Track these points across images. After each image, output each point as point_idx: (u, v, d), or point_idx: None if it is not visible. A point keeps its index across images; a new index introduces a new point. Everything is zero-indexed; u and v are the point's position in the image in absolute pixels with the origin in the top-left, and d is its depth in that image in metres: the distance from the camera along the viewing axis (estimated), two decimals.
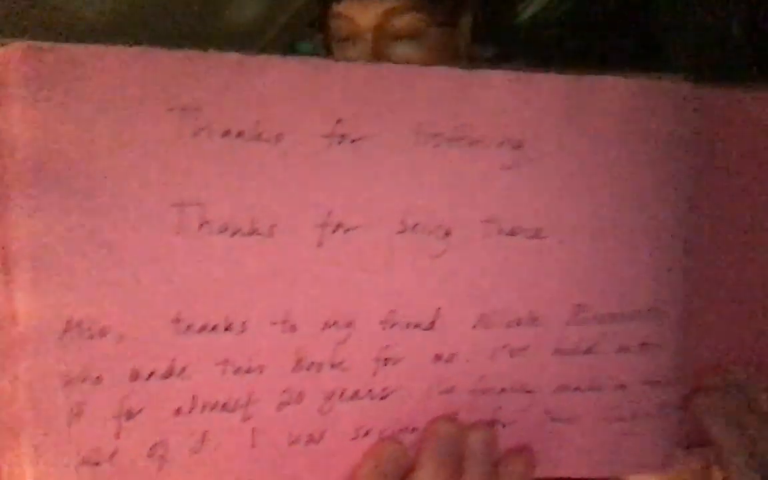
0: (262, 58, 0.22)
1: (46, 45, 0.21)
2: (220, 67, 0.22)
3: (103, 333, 0.22)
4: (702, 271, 0.29)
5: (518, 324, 0.26)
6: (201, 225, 0.23)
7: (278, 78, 0.22)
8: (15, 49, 0.21)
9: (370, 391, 0.25)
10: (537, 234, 0.25)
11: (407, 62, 0.49)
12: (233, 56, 0.22)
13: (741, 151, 0.29)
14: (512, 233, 0.25)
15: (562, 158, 0.25)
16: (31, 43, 0.21)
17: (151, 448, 0.23)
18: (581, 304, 0.26)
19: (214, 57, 0.22)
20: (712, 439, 0.29)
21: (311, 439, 0.25)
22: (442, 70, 0.24)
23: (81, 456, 0.23)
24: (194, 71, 0.22)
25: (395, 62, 0.42)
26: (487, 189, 0.25)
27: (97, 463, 0.23)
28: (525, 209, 0.25)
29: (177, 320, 0.23)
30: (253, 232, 0.23)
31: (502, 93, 0.24)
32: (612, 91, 0.25)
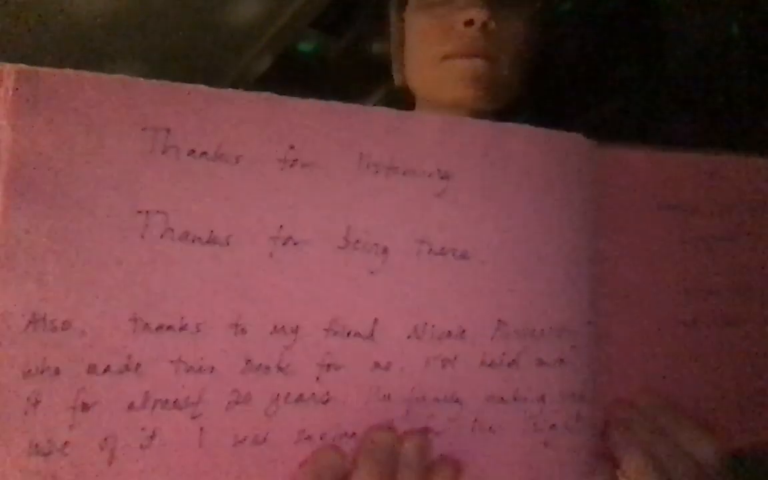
0: (227, 91, 0.26)
1: (34, 69, 0.24)
2: (189, 96, 0.26)
3: (65, 327, 0.24)
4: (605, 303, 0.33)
5: (448, 336, 0.29)
6: (163, 232, 0.25)
7: (239, 108, 0.26)
8: (7, 71, 0.24)
9: (313, 395, 0.27)
10: (463, 255, 0.29)
11: None
12: (202, 88, 0.26)
13: (630, 201, 0.34)
14: (442, 253, 0.29)
15: (484, 190, 0.29)
16: (21, 66, 0.24)
17: (102, 442, 0.25)
18: (503, 320, 0.30)
19: (184, 87, 0.25)
20: (626, 470, 0.32)
21: (256, 441, 0.27)
22: (381, 110, 0.28)
23: (33, 445, 0.24)
24: (166, 98, 0.25)
25: None
26: (419, 213, 0.28)
27: (48, 453, 0.24)
28: (453, 232, 0.29)
29: (135, 319, 0.25)
30: (211, 241, 0.26)
31: (431, 131, 0.28)
32: (518, 138, 0.30)
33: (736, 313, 0.36)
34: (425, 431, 0.29)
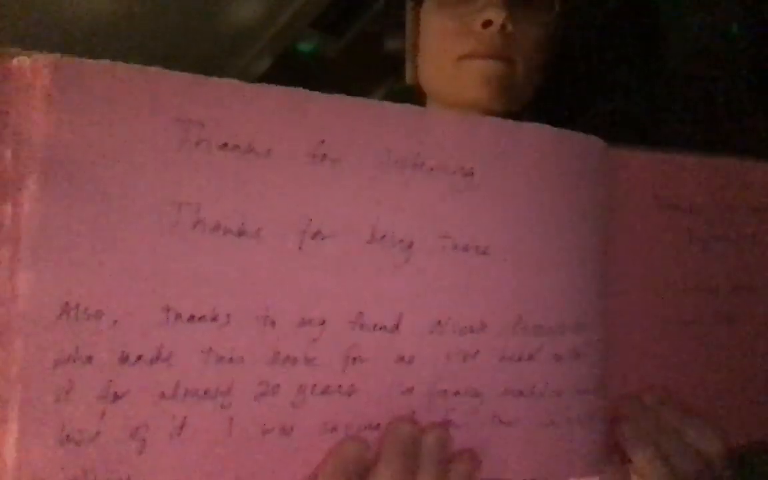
0: (258, 86, 0.27)
1: (71, 59, 0.24)
2: (222, 90, 0.26)
3: (97, 316, 0.24)
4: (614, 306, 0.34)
5: (470, 331, 0.30)
6: (195, 224, 0.26)
7: (270, 103, 0.27)
8: (45, 61, 0.24)
9: (339, 387, 0.28)
10: (485, 251, 0.30)
11: None
12: (234, 82, 0.26)
13: (632, 201, 0.35)
14: (464, 249, 0.29)
15: (504, 187, 0.30)
16: (59, 57, 0.24)
17: (133, 431, 0.25)
18: (521, 315, 0.30)
19: (217, 81, 0.26)
20: (634, 462, 0.33)
21: (283, 431, 0.27)
22: (407, 107, 0.29)
23: (65, 434, 0.24)
24: (200, 91, 0.26)
25: None
26: (443, 209, 0.29)
27: (79, 442, 0.24)
28: (475, 229, 0.29)
29: (167, 309, 0.25)
30: (241, 233, 0.26)
31: (455, 129, 0.29)
32: (537, 137, 0.31)
33: (736, 311, 0.37)
34: (446, 424, 0.30)
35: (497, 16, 0.47)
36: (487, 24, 0.48)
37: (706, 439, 0.33)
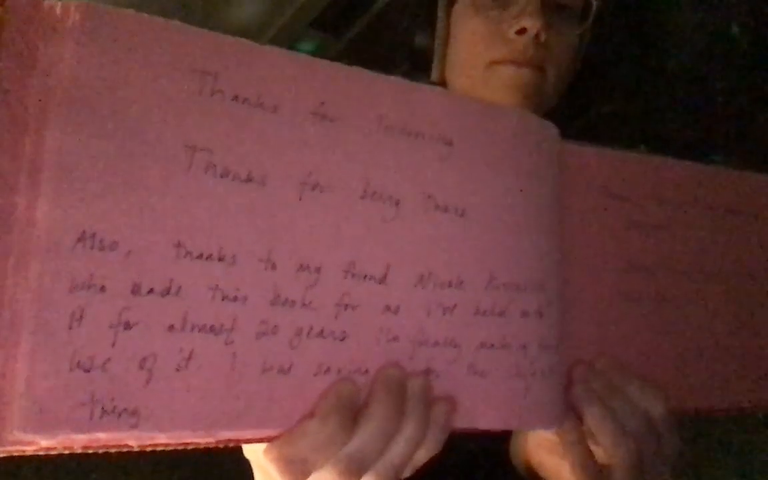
0: (269, 47, 0.29)
1: (98, 6, 0.26)
2: (236, 47, 0.28)
3: (112, 247, 0.25)
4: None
5: (448, 286, 0.33)
6: (207, 168, 0.27)
7: (279, 63, 0.29)
8: (76, 5, 0.25)
9: (332, 331, 0.30)
10: (462, 213, 0.33)
11: None
12: (247, 41, 0.29)
13: (580, 188, 0.40)
14: (445, 210, 0.33)
15: (479, 158, 0.34)
16: (88, 2, 0.26)
17: (141, 361, 0.26)
18: (494, 273, 0.34)
19: (232, 38, 0.28)
20: (586, 420, 0.37)
21: (281, 370, 0.29)
22: (398, 80, 0.32)
23: (76, 360, 0.24)
24: (216, 46, 0.28)
25: None
26: (427, 172, 0.32)
27: (89, 369, 0.25)
28: (454, 192, 0.33)
29: (178, 245, 0.27)
30: (248, 179, 0.28)
31: (437, 102, 0.33)
32: (508, 118, 0.35)
33: (670, 291, 0.42)
34: (427, 372, 0.32)
35: (532, 24, 0.47)
36: (521, 31, 0.48)
37: (650, 400, 0.37)
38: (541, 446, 0.44)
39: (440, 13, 0.55)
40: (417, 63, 0.58)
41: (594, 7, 0.51)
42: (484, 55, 0.50)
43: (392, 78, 0.32)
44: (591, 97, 0.59)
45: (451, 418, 0.32)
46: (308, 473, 0.28)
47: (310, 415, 0.29)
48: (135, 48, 0.26)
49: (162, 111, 0.27)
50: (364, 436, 0.29)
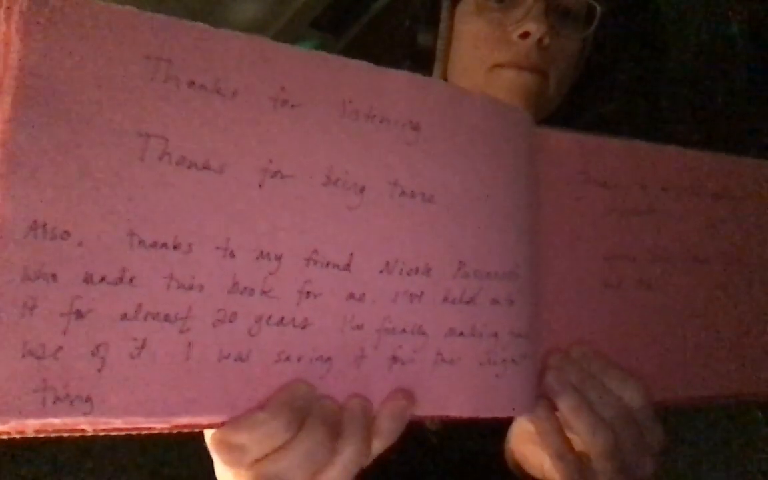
0: (226, 31, 0.29)
1: None
2: (191, 31, 0.28)
3: (64, 236, 0.25)
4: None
5: (416, 273, 0.32)
6: (162, 155, 0.27)
7: (237, 47, 0.29)
8: None
9: (292, 319, 0.30)
10: (430, 199, 0.32)
11: None
12: (203, 25, 0.28)
13: (559, 175, 0.39)
14: (411, 196, 0.32)
15: (448, 143, 0.33)
16: None
17: (94, 349, 0.26)
18: (463, 260, 0.33)
19: (187, 23, 0.28)
20: (560, 410, 0.36)
21: (239, 358, 0.29)
22: (362, 63, 0.31)
23: (27, 348, 0.25)
24: (170, 31, 0.27)
25: None
26: (393, 157, 0.32)
27: (41, 357, 0.25)
28: (421, 178, 0.32)
29: (131, 234, 0.27)
30: (205, 167, 0.28)
31: (404, 86, 0.32)
32: (478, 103, 0.34)
33: (654, 278, 0.42)
34: (393, 360, 0.32)
35: (536, 28, 0.47)
36: (525, 35, 0.48)
37: (628, 389, 0.37)
38: (523, 439, 0.44)
39: (443, 13, 0.55)
40: (419, 62, 0.58)
41: (598, 12, 0.50)
42: (486, 57, 0.50)
43: (356, 61, 0.31)
44: (591, 97, 0.58)
45: (407, 411, 0.32)
46: (246, 463, 0.28)
47: (262, 406, 0.29)
48: (86, 34, 0.26)
49: (114, 98, 0.26)
50: (290, 459, 0.28)
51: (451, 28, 0.55)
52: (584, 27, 0.52)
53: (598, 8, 0.51)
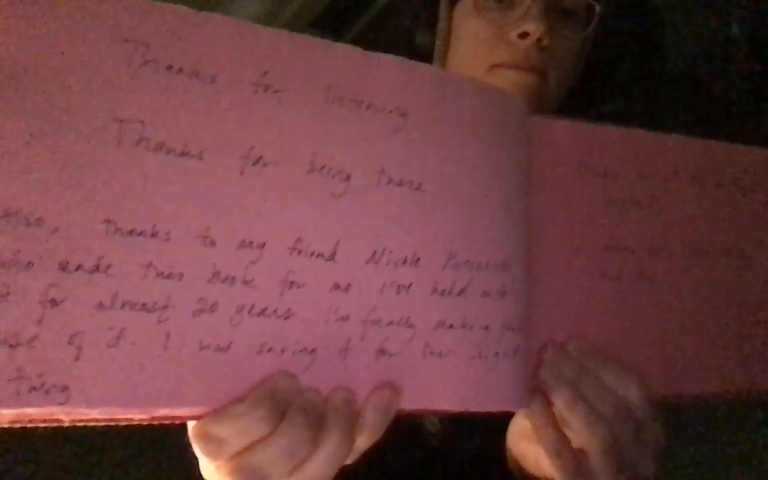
0: (205, 13, 0.28)
1: None
2: (169, 14, 0.27)
3: (38, 223, 0.25)
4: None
5: (404, 263, 0.31)
6: (139, 141, 0.27)
7: (217, 30, 0.28)
8: None
9: (275, 310, 0.29)
10: (419, 187, 0.31)
11: None
12: (181, 8, 0.27)
13: (556, 165, 0.38)
14: (399, 184, 0.31)
15: (437, 130, 0.32)
16: None
17: (70, 338, 0.25)
18: (453, 251, 0.32)
19: (164, 5, 0.27)
20: (555, 404, 0.35)
21: (219, 348, 0.28)
22: (348, 47, 0.30)
23: (1, 337, 0.24)
24: (147, 14, 0.27)
25: None
26: (380, 145, 0.31)
27: (15, 346, 0.24)
28: (409, 166, 0.31)
29: (108, 221, 0.26)
30: (184, 153, 0.27)
31: (392, 71, 0.31)
32: (468, 88, 0.33)
33: (653, 270, 0.40)
34: (380, 353, 0.31)
35: (536, 28, 0.47)
36: (524, 35, 0.47)
37: (624, 384, 0.36)
38: (521, 436, 0.43)
39: (442, 13, 0.54)
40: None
41: (597, 12, 0.50)
42: (485, 57, 0.49)
43: (342, 45, 0.30)
44: (591, 97, 0.58)
45: (393, 405, 0.31)
46: (224, 455, 0.28)
47: (244, 397, 0.28)
48: (59, 16, 0.25)
49: (88, 83, 0.26)
50: (270, 451, 0.28)
51: (449, 28, 0.54)
52: (584, 27, 0.51)
53: (598, 8, 0.50)
